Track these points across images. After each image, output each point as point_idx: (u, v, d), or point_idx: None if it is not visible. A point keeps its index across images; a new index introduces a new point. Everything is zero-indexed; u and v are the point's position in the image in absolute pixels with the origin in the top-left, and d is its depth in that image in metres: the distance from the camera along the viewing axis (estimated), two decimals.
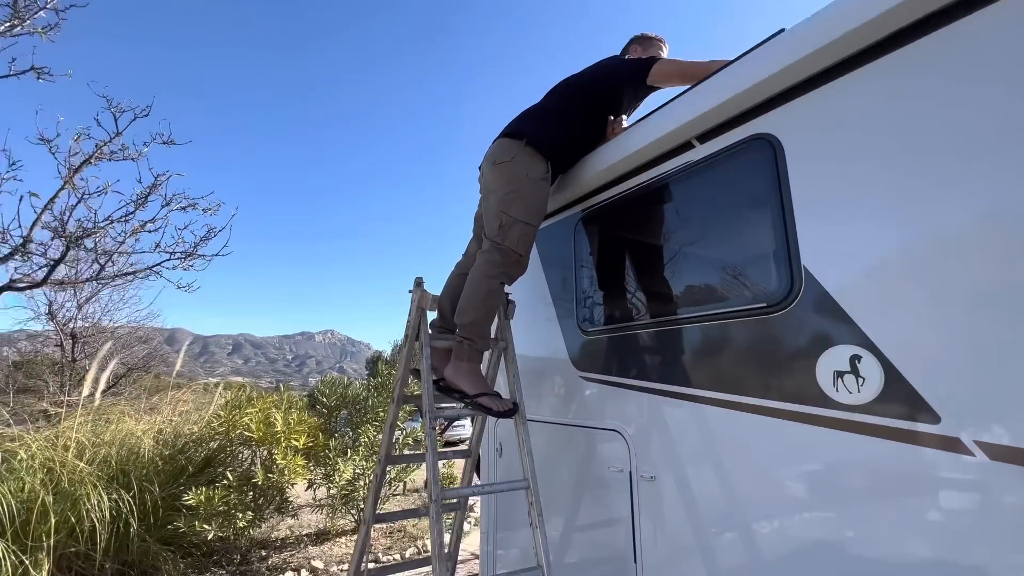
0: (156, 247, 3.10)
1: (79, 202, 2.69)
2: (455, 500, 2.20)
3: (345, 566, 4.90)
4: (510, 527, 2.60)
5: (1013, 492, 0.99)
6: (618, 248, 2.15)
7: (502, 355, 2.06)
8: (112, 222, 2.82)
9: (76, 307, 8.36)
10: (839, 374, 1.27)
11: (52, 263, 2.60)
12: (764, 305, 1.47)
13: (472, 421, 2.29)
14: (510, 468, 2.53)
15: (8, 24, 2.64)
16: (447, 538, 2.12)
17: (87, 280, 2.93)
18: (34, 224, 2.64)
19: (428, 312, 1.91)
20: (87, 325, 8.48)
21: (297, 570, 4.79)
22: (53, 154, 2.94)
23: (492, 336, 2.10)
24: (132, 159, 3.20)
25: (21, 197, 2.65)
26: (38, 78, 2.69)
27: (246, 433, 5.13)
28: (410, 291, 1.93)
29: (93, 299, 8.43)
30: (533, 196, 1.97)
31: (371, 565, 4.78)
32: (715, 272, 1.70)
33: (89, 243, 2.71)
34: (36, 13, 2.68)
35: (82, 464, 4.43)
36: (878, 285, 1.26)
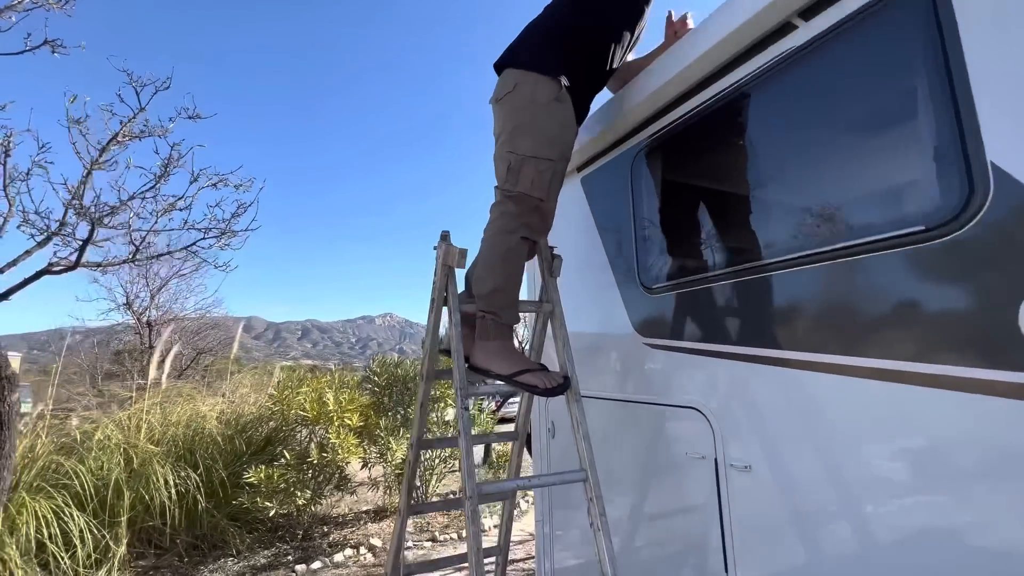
0: (185, 224, 2.98)
1: (87, 172, 2.57)
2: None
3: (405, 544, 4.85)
4: (569, 506, 2.29)
5: None
6: (693, 181, 1.72)
7: (548, 319, 1.71)
8: (133, 197, 2.71)
9: (149, 297, 8.88)
10: None
11: (81, 245, 2.51)
12: (923, 228, 1.01)
13: (520, 397, 1.97)
14: (565, 452, 2.21)
15: None
16: (494, 531, 1.83)
17: (123, 262, 2.87)
18: (68, 206, 2.55)
19: (458, 271, 1.59)
20: (160, 314, 9.00)
21: (356, 547, 4.80)
22: (84, 136, 2.84)
23: (536, 299, 1.75)
24: (159, 135, 3.07)
25: (59, 184, 2.56)
26: (53, 52, 2.58)
27: (300, 412, 5.16)
28: (435, 247, 1.62)
29: (163, 289, 8.91)
30: (545, 123, 1.56)
31: (419, 547, 4.73)
32: (837, 191, 1.24)
33: (112, 221, 2.60)
34: None
35: (151, 446, 4.60)
36: None
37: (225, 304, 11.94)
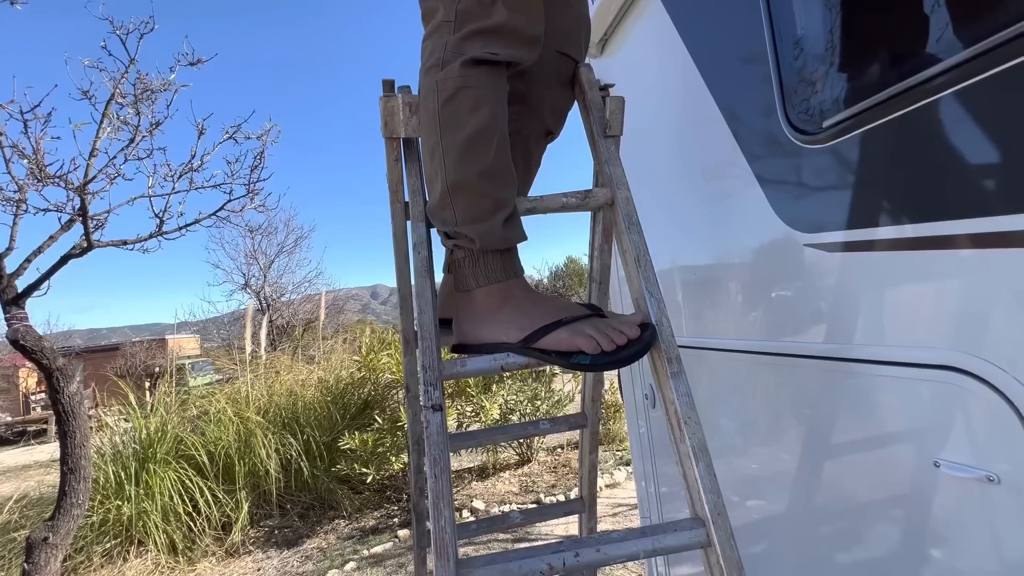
0: (191, 184, 2.60)
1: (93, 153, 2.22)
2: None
3: (506, 508, 4.52)
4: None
5: None
6: None
7: (607, 221, 0.90)
8: (121, 152, 2.33)
9: (263, 276, 9.51)
10: None
11: (76, 219, 2.22)
12: None
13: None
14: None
15: None
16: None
17: (148, 238, 2.60)
18: (87, 182, 2.26)
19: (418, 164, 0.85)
20: (272, 290, 9.64)
21: (459, 509, 4.57)
22: (93, 104, 2.53)
23: (587, 188, 0.94)
24: (161, 90, 2.68)
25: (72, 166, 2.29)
26: (12, 4, 2.21)
27: (388, 376, 4.97)
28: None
29: (272, 266, 9.47)
30: None
31: (524, 506, 4.30)
32: None
33: (95, 188, 2.26)
34: None
35: (257, 417, 4.73)
36: None
37: (328, 274, 12.57)
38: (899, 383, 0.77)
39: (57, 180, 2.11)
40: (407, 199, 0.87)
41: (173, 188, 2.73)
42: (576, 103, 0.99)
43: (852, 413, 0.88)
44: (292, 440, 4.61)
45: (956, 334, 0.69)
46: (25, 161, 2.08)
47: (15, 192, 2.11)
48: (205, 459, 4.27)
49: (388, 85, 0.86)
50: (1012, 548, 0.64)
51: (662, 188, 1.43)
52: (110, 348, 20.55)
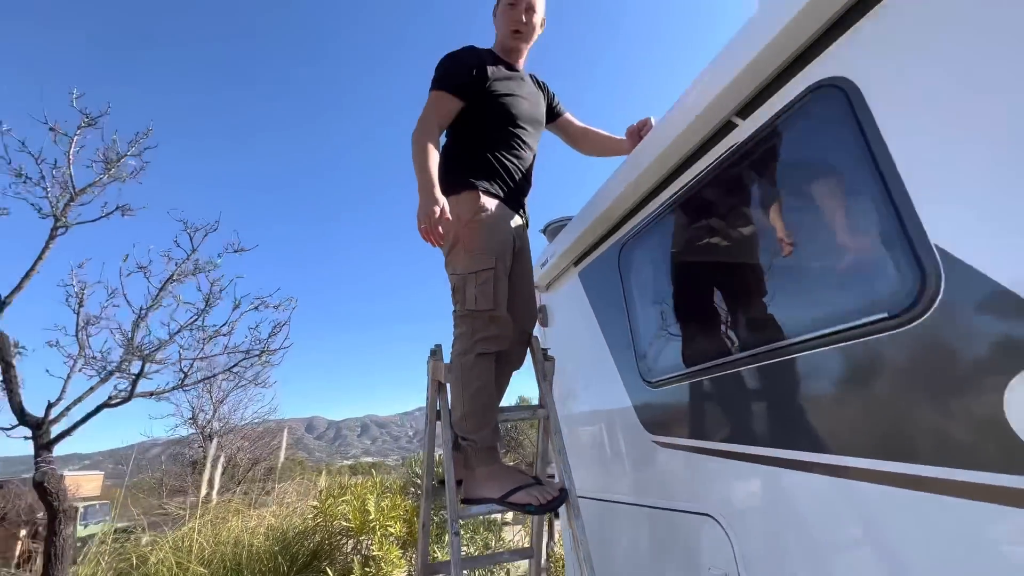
0: (226, 349, 3.24)
1: (143, 315, 2.89)
2: None
3: None
4: None
5: None
6: (673, 272, 1.72)
7: (543, 424, 1.67)
8: (180, 330, 3.00)
9: (212, 410, 9.38)
10: None
11: (133, 379, 2.77)
12: (885, 316, 0.96)
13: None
14: (606, 559, 2.03)
15: (102, 176, 3.05)
16: None
17: (172, 389, 3.11)
18: (128, 344, 2.86)
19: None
20: (221, 425, 9.43)
21: None
22: (148, 279, 3.25)
23: (537, 404, 1.73)
24: (208, 271, 3.46)
25: (115, 328, 2.91)
26: (123, 215, 3.05)
27: (343, 523, 5.06)
28: (427, 361, 1.67)
29: (224, 401, 9.41)
30: (475, 237, 1.59)
31: None
32: (804, 281, 1.21)
33: (161, 355, 2.87)
34: (119, 161, 3.09)
35: (201, 568, 4.60)
36: None
37: (281, 409, 12.33)
38: (686, 520, 1.51)
39: (138, 352, 2.71)
40: (439, 409, 1.62)
41: (201, 349, 3.34)
42: (529, 354, 1.84)
43: (664, 538, 1.59)
44: None
45: (710, 500, 1.46)
46: (120, 336, 2.69)
47: (98, 356, 2.68)
48: None
49: (436, 351, 1.67)
50: None
51: (584, 398, 2.27)
52: None
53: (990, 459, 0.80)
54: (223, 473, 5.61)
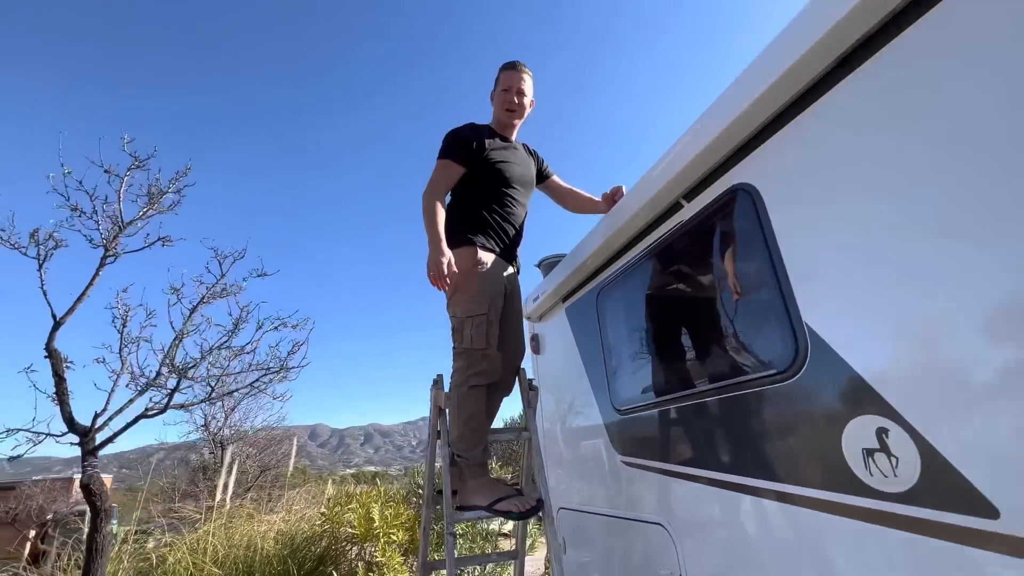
0: (249, 367, 3.59)
1: (180, 338, 3.24)
2: None
3: None
4: None
5: None
6: (633, 318, 2.04)
7: (527, 444, 1.98)
8: (212, 350, 3.35)
9: (224, 417, 9.73)
10: (868, 452, 1.04)
11: (169, 393, 3.11)
12: (774, 372, 1.27)
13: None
14: (584, 562, 2.32)
15: (146, 210, 3.43)
16: None
17: (201, 402, 3.45)
18: (163, 364, 3.21)
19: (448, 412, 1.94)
20: (231, 432, 9.77)
21: None
22: (180, 300, 3.61)
23: (514, 427, 2.04)
24: (233, 295, 3.81)
25: (158, 349, 3.26)
26: (163, 246, 3.43)
27: (349, 530, 5.35)
28: (431, 389, 1.99)
29: (235, 409, 9.76)
30: (472, 286, 1.90)
31: None
32: (727, 336, 1.52)
33: (194, 373, 3.21)
34: (161, 197, 3.47)
35: (215, 569, 4.91)
36: (897, 341, 1.04)
37: (289, 417, 12.65)
38: (644, 528, 1.80)
39: (176, 371, 3.06)
40: (439, 430, 1.94)
41: (227, 366, 3.68)
42: (517, 384, 2.15)
43: (628, 544, 1.88)
44: None
45: (660, 511, 1.76)
46: (166, 360, 3.04)
47: (138, 371, 3.03)
48: None
49: (437, 380, 1.99)
50: None
51: (568, 421, 2.57)
52: (4, 487, 18.12)
53: (831, 481, 1.10)
54: (225, 486, 5.93)
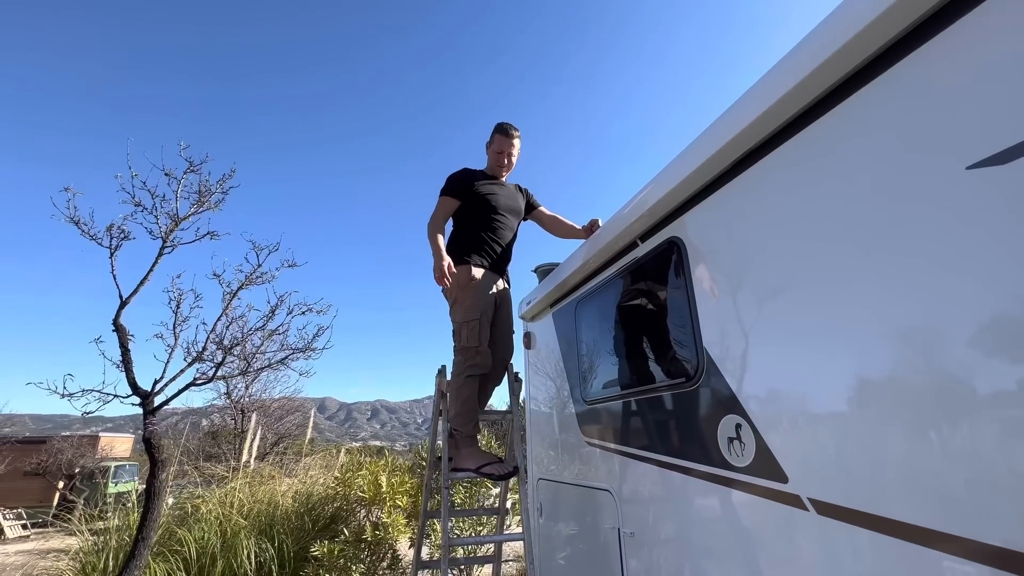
0: (282, 347, 4.15)
1: (231, 322, 3.79)
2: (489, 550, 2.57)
3: None
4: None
5: (833, 541, 1.17)
6: (599, 327, 2.51)
7: (511, 423, 2.48)
8: (252, 332, 3.90)
9: (244, 387, 10.45)
10: (730, 440, 1.51)
11: (216, 365, 3.67)
12: (683, 380, 1.75)
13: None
14: (551, 528, 2.84)
15: (195, 208, 3.96)
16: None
17: (239, 374, 4.01)
18: (207, 339, 3.77)
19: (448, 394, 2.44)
20: (252, 400, 10.51)
21: None
22: (221, 285, 4.16)
23: (503, 409, 2.54)
24: (268, 282, 4.35)
25: (203, 325, 3.82)
26: (211, 239, 3.96)
27: (359, 493, 5.97)
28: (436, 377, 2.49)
29: (256, 380, 10.46)
30: (468, 297, 2.40)
31: None
32: (659, 350, 1.99)
33: (237, 351, 3.77)
34: (211, 196, 3.99)
35: (241, 519, 5.57)
36: (753, 365, 1.50)
37: (304, 390, 13.41)
38: (595, 493, 2.31)
39: (222, 347, 3.61)
40: (441, 408, 2.45)
41: (262, 343, 4.24)
42: (505, 376, 2.64)
43: (589, 506, 2.39)
44: (268, 544, 5.41)
45: (608, 480, 2.25)
46: (213, 337, 3.60)
47: (189, 346, 3.59)
48: (193, 554, 5.03)
49: (441, 370, 2.49)
50: (631, 567, 2.12)
51: (552, 410, 3.08)
52: (36, 440, 19.23)
53: (710, 458, 1.58)
54: (250, 446, 6.57)
